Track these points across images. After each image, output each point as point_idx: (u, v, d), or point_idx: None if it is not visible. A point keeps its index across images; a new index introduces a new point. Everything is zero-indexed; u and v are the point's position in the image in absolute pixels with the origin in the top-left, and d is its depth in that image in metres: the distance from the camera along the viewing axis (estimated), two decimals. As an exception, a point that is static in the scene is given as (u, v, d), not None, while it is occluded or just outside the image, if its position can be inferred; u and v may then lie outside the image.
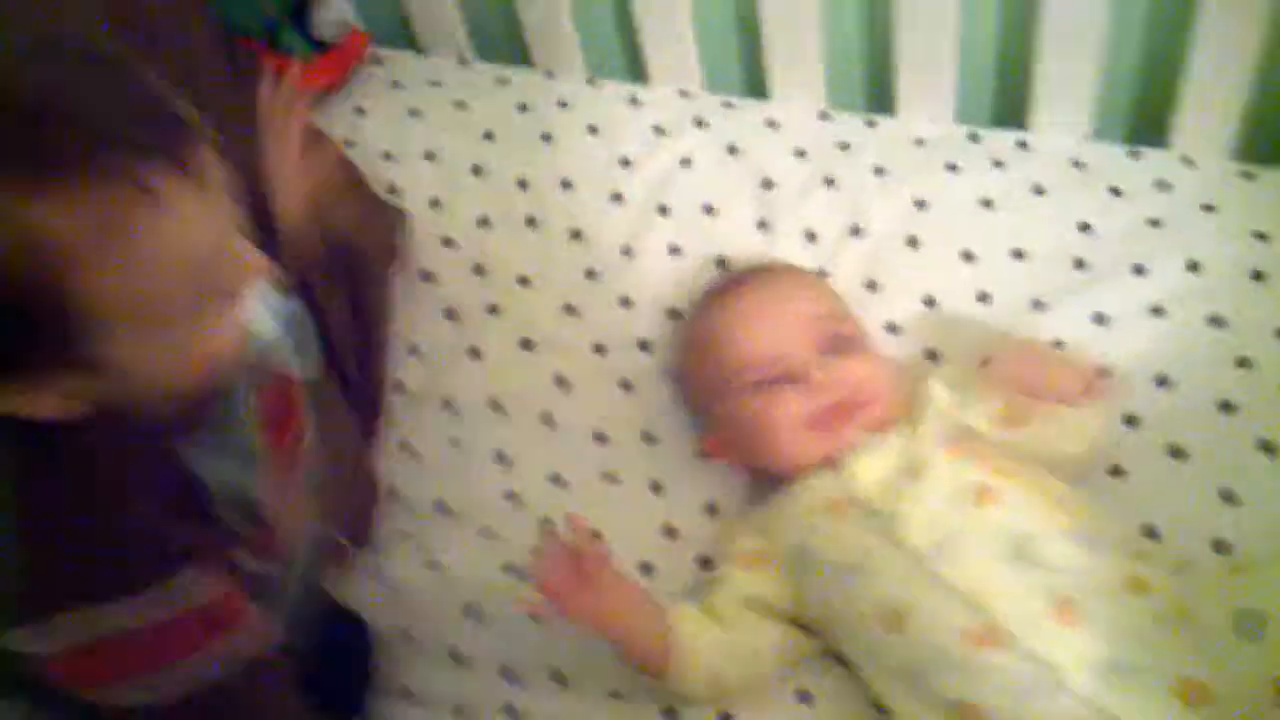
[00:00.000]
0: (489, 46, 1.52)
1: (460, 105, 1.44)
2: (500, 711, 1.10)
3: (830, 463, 1.07)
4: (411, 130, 1.43)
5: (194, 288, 0.72)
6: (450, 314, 1.32)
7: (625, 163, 1.36)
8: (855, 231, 1.29)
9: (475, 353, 1.29)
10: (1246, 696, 0.91)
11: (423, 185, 1.39)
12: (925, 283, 1.25)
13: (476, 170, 1.38)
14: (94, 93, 0.68)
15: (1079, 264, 1.23)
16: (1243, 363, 1.14)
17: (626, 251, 1.31)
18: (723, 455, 1.17)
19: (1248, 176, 1.25)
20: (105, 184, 0.66)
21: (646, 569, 1.14)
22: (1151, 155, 1.28)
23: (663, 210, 1.33)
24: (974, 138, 1.33)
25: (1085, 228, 1.24)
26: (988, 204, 1.28)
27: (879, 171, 1.32)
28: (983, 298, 1.23)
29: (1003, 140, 1.32)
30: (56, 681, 0.80)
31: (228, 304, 0.76)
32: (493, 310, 1.31)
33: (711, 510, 1.17)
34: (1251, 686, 0.91)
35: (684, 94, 1.42)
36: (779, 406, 1.08)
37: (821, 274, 1.26)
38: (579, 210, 1.34)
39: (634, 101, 1.41)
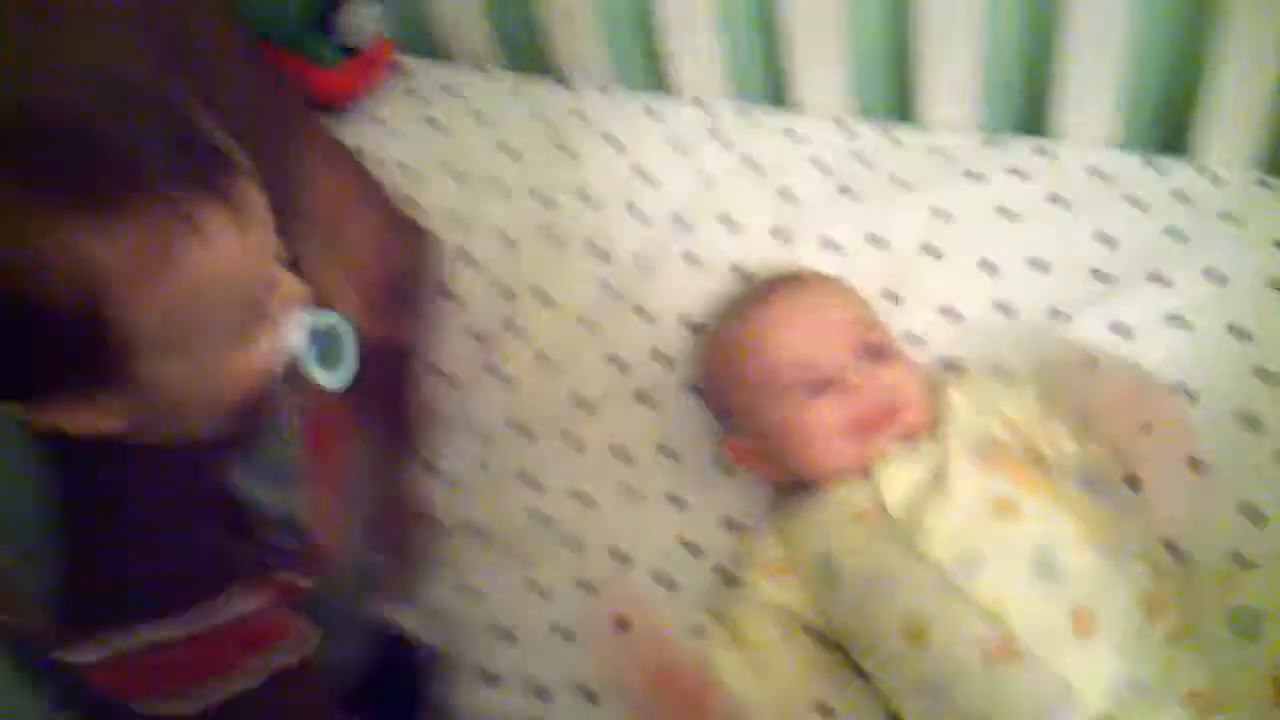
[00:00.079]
0: (511, 55, 1.52)
1: (480, 116, 1.45)
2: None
3: (860, 471, 1.07)
4: (430, 142, 1.44)
5: (233, 314, 0.74)
6: (473, 335, 1.33)
7: (644, 175, 1.36)
8: (875, 241, 1.29)
9: (497, 373, 1.30)
10: (1248, 696, 0.92)
11: (443, 199, 1.39)
12: (945, 293, 1.25)
13: (496, 184, 1.39)
14: (139, 126, 0.69)
15: (1099, 274, 1.22)
16: (1264, 374, 1.14)
17: (645, 264, 1.32)
18: (746, 463, 1.17)
19: (1269, 187, 1.24)
20: (148, 215, 0.68)
21: (666, 582, 1.15)
22: (1173, 165, 1.28)
23: (682, 222, 1.33)
24: (995, 146, 1.33)
25: (1106, 238, 1.24)
26: (1008, 213, 1.28)
27: (899, 181, 1.32)
28: (1002, 308, 1.23)
29: (1024, 149, 1.32)
30: (99, 692, 0.82)
31: (266, 327, 0.78)
32: (513, 329, 1.32)
33: (731, 524, 1.18)
34: (1251, 685, 0.92)
35: (703, 105, 1.42)
36: (814, 412, 1.08)
37: (845, 283, 1.27)
38: (598, 223, 1.34)
39: (653, 113, 1.42)
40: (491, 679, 1.15)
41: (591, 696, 1.12)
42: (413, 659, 1.17)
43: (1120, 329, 1.19)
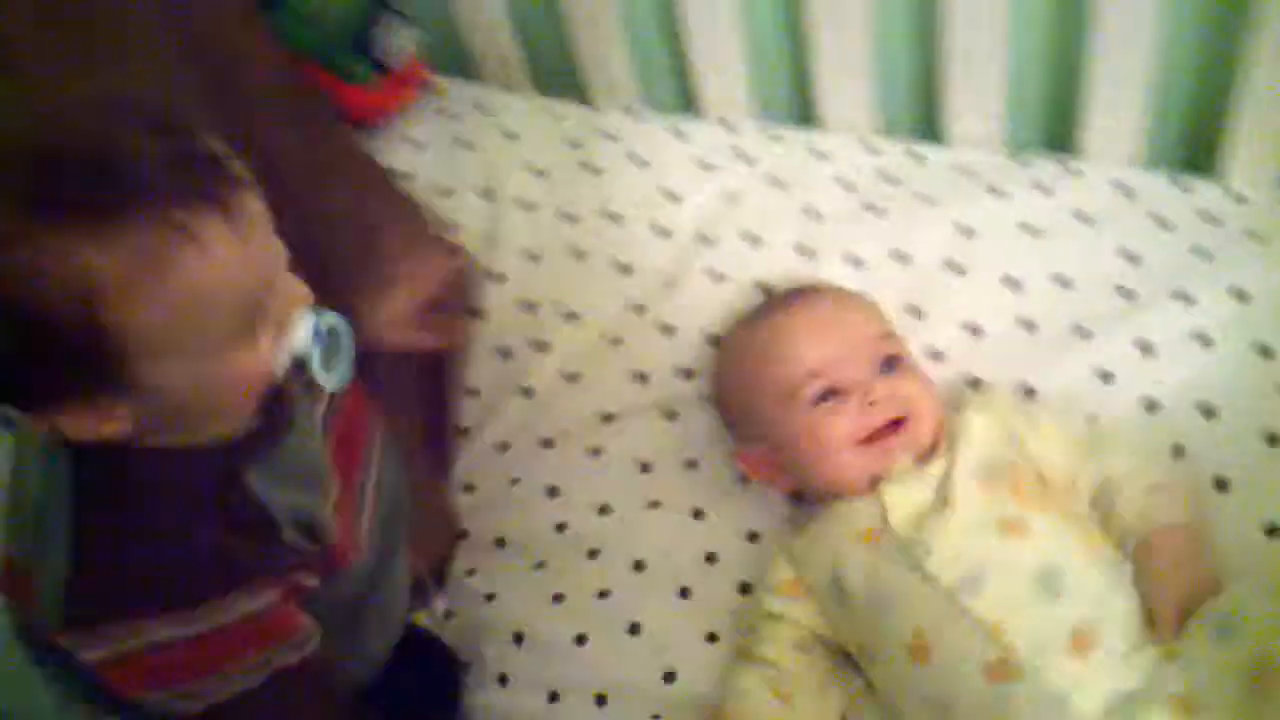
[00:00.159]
0: (541, 77, 1.54)
1: (509, 135, 1.47)
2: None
3: (868, 487, 1.08)
4: (460, 160, 1.46)
5: (232, 318, 0.76)
6: (499, 351, 1.35)
7: (671, 194, 1.38)
8: (898, 257, 1.29)
9: (526, 391, 1.32)
10: (1225, 698, 0.92)
11: (471, 217, 1.42)
12: (967, 309, 1.25)
13: (524, 203, 1.41)
14: (138, 140, 0.71)
15: (1123, 291, 1.22)
16: (1288, 393, 1.13)
17: (670, 281, 1.33)
18: (757, 473, 1.18)
19: (1296, 207, 1.24)
20: (145, 225, 0.70)
21: (687, 594, 1.16)
22: (1199, 184, 1.27)
23: (707, 241, 1.35)
24: (1019, 163, 1.33)
25: (1130, 255, 1.24)
26: (1032, 230, 1.28)
27: (922, 197, 1.32)
28: (1026, 324, 1.23)
29: (1048, 166, 1.32)
30: (106, 688, 0.84)
31: (267, 329, 0.79)
32: (538, 345, 1.34)
33: (752, 537, 1.19)
34: (1229, 687, 0.92)
35: (729, 125, 1.44)
36: (833, 422, 1.09)
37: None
38: (625, 242, 1.36)
39: (679, 133, 1.43)
40: (509, 683, 1.17)
41: (605, 701, 1.13)
42: (434, 660, 1.19)
43: (1144, 346, 1.18)
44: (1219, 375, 1.16)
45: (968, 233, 1.29)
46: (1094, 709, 0.93)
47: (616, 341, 1.31)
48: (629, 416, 1.28)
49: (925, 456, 1.09)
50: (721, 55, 1.40)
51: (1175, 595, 0.99)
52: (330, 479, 0.93)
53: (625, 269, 1.35)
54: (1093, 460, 1.09)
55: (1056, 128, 1.35)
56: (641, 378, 1.29)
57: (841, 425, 1.09)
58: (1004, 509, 1.03)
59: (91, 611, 0.81)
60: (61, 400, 0.74)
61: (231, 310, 0.75)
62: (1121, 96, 1.25)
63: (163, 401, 0.76)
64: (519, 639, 1.17)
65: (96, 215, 0.69)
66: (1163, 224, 1.25)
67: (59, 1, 0.92)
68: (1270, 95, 1.18)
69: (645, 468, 1.25)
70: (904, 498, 1.06)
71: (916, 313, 1.26)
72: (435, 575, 1.25)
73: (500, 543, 1.25)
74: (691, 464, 1.24)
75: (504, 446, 1.30)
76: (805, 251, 1.32)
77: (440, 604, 1.23)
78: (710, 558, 1.18)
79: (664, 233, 1.36)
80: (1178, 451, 1.13)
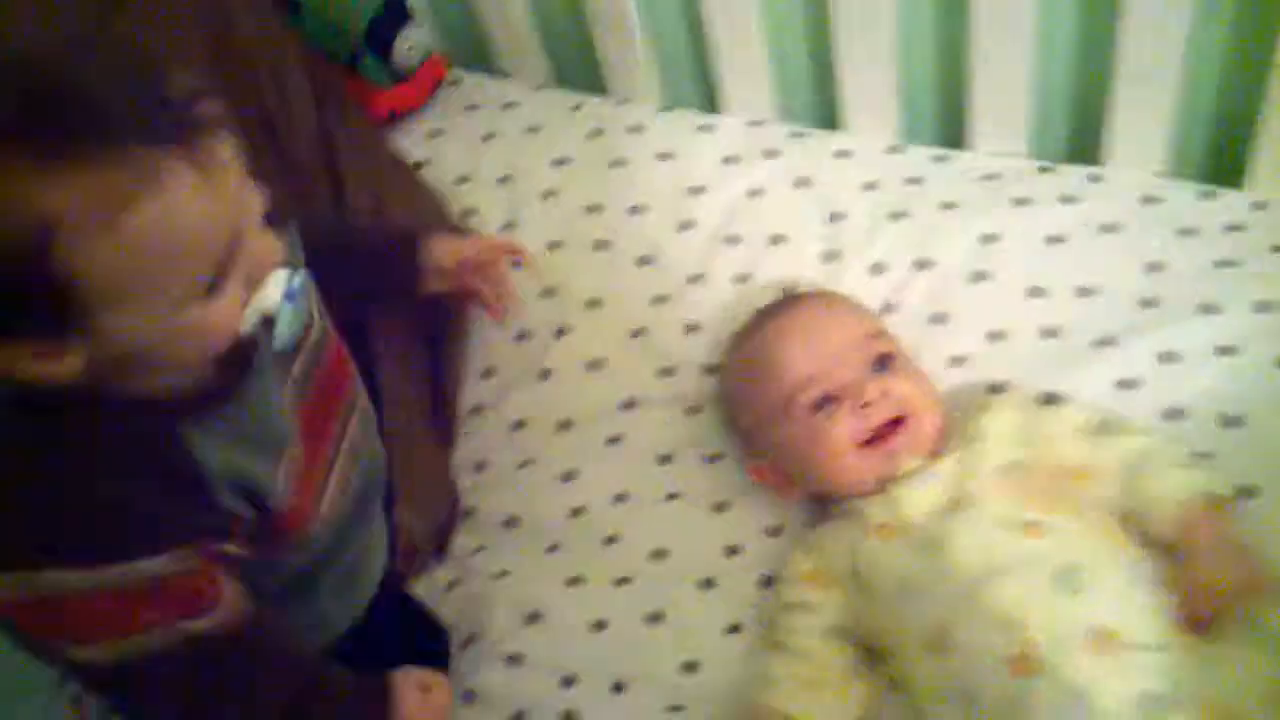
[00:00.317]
0: (566, 76, 1.55)
1: (533, 130, 1.47)
2: (559, 716, 1.11)
3: (880, 488, 1.07)
4: (485, 153, 1.46)
5: (194, 268, 0.74)
6: (520, 336, 1.34)
7: (695, 190, 1.38)
8: (923, 264, 1.29)
9: (545, 374, 1.31)
10: (1261, 704, 0.91)
11: (496, 208, 1.42)
12: (991, 317, 1.25)
13: (548, 194, 1.41)
14: (105, 77, 0.70)
15: (1147, 302, 1.22)
16: (1314, 404, 1.13)
17: (694, 278, 1.33)
18: (770, 480, 1.17)
19: (1321, 219, 1.25)
20: (104, 165, 0.68)
21: (709, 584, 1.15)
22: (1224, 195, 1.28)
23: (731, 239, 1.35)
24: (1045, 171, 1.34)
25: (1155, 266, 1.24)
26: (1056, 239, 1.28)
27: (948, 205, 1.33)
28: (1049, 333, 1.23)
29: (1073, 175, 1.33)
30: (11, 627, 0.82)
31: (234, 284, 0.77)
32: (561, 334, 1.33)
33: (774, 531, 1.18)
34: (1265, 693, 0.92)
35: (755, 123, 1.44)
36: (832, 427, 1.09)
37: (887, 306, 1.27)
38: (649, 236, 1.36)
39: (705, 130, 1.43)
40: (522, 665, 1.15)
41: (620, 688, 1.11)
42: (427, 633, 1.17)
43: (1168, 357, 1.18)
44: (1243, 386, 1.15)
45: (992, 241, 1.29)
46: (1116, 708, 0.92)
47: (639, 333, 1.31)
48: (650, 407, 1.27)
49: (933, 453, 1.09)
50: (747, 64, 1.41)
51: (1214, 581, 0.98)
52: (294, 443, 0.90)
53: (649, 262, 1.35)
54: (1110, 443, 1.08)
55: (1082, 137, 1.36)
56: (666, 371, 1.28)
57: (840, 430, 1.08)
58: (1023, 507, 1.03)
59: (3, 551, 0.79)
60: (10, 336, 0.72)
61: (195, 259, 0.73)
62: (1147, 106, 1.26)
63: (117, 348, 0.74)
64: (533, 618, 1.16)
65: (53, 151, 0.67)
66: (1187, 234, 1.26)
67: None
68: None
69: (665, 459, 1.24)
70: (917, 496, 1.06)
71: (940, 320, 1.26)
72: (435, 547, 1.23)
73: (510, 523, 1.24)
74: (713, 459, 1.23)
75: (518, 425, 1.29)
76: (829, 256, 1.32)
77: (440, 573, 1.22)
78: (732, 551, 1.17)
79: (688, 228, 1.36)
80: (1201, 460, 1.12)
